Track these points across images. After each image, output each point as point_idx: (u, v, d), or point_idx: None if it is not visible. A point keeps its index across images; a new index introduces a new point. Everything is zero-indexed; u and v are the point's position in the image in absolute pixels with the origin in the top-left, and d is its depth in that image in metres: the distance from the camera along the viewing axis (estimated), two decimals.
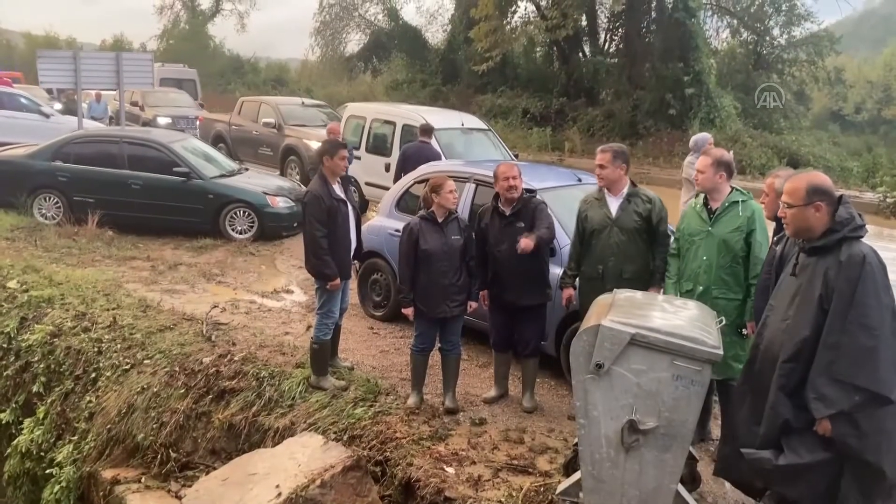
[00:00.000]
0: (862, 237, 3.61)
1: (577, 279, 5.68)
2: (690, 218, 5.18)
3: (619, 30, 28.39)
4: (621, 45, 28.12)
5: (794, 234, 3.80)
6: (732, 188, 5.09)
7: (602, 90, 27.62)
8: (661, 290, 5.31)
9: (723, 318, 4.35)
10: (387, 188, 10.03)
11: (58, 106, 21.42)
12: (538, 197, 5.98)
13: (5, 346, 7.85)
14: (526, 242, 5.42)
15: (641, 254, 5.40)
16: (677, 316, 4.17)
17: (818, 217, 3.64)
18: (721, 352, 3.88)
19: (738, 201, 5.00)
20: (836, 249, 3.58)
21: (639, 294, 4.61)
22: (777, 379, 3.66)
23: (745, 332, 4.89)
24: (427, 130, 10.87)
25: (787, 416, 3.63)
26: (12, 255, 9.68)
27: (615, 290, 4.59)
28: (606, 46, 29.50)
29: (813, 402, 3.52)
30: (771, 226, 4.90)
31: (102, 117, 19.55)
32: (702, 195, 5.16)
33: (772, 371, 3.71)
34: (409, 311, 5.86)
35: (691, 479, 4.61)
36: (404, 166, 10.01)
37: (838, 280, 3.51)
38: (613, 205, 5.44)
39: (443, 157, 10.57)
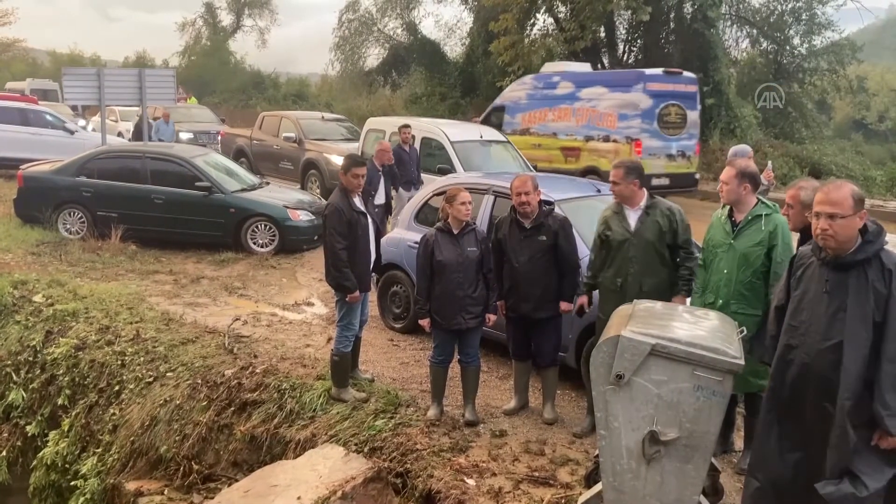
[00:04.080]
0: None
1: (596, 289, 5.65)
2: (715, 229, 5.12)
3: (638, 41, 28.31)
4: (640, 56, 28.04)
5: (838, 247, 3.58)
6: (759, 201, 5.00)
7: None
8: (688, 302, 5.27)
9: (744, 328, 4.31)
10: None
11: (81, 122, 21.72)
12: (558, 210, 5.97)
13: (31, 359, 7.97)
14: (568, 307, 5.76)
15: (661, 267, 5.33)
16: (698, 326, 4.15)
17: (859, 226, 3.55)
18: (742, 362, 3.85)
19: (761, 215, 4.91)
20: (874, 261, 3.50)
21: (658, 304, 4.59)
22: (843, 402, 3.49)
23: None
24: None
25: (855, 439, 3.49)
26: (38, 270, 9.83)
27: (635, 300, 4.57)
28: (625, 57, 29.42)
29: (888, 419, 3.39)
30: (794, 237, 4.85)
31: (171, 140, 17.83)
32: (727, 206, 5.12)
33: (813, 394, 3.60)
34: (425, 323, 5.88)
35: (714, 491, 4.57)
36: None
37: (892, 289, 3.43)
38: (632, 217, 5.38)
39: (411, 156, 11.45)
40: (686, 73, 16.10)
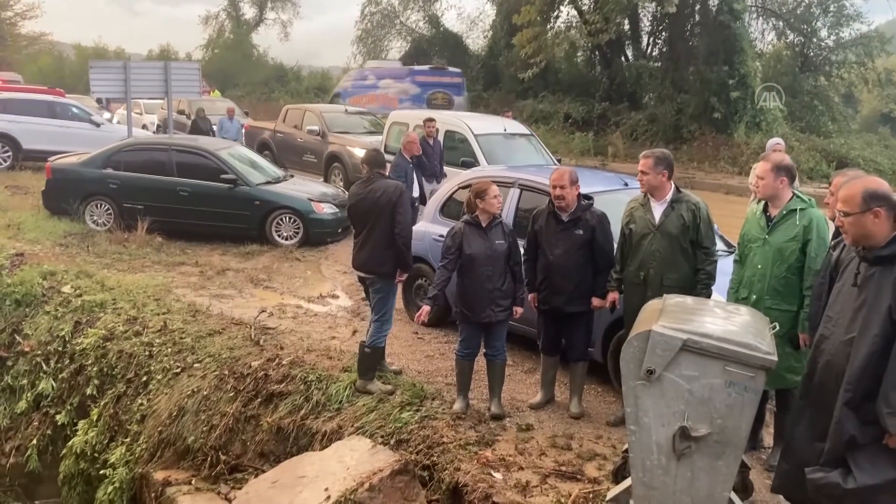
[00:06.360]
0: None
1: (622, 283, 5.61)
2: (750, 224, 5.08)
3: (663, 33, 28.11)
4: (665, 49, 27.84)
5: (854, 243, 3.62)
6: (794, 194, 4.93)
7: (645, 94, 27.36)
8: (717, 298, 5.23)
9: (776, 324, 4.26)
10: None
11: (106, 115, 21.89)
12: (595, 206, 5.92)
13: (60, 349, 8.06)
14: (600, 303, 5.74)
15: (684, 261, 5.29)
16: (730, 321, 4.10)
17: (878, 224, 3.49)
18: (775, 358, 3.81)
19: (796, 209, 4.85)
20: None
21: (689, 299, 4.55)
22: (843, 394, 3.50)
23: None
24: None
25: (853, 431, 3.47)
26: (66, 261, 9.92)
27: (665, 295, 4.53)
28: (649, 50, 29.24)
29: (888, 416, 3.35)
30: (831, 227, 4.79)
31: (236, 139, 16.64)
32: (762, 201, 5.06)
33: (835, 386, 3.58)
34: (425, 311, 5.79)
35: (743, 488, 4.53)
36: None
37: None
38: (657, 210, 5.35)
39: (434, 149, 11.43)
40: (451, 69, 22.95)
